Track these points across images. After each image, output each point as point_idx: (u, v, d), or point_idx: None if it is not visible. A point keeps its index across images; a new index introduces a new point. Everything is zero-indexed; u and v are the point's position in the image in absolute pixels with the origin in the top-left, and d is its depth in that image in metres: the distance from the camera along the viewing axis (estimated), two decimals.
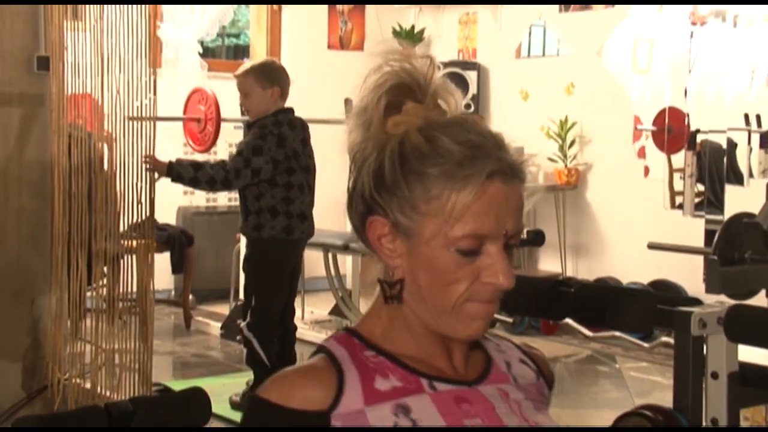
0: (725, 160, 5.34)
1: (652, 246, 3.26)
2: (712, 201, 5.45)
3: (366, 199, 1.07)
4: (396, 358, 1.08)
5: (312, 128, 3.93)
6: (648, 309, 1.53)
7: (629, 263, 5.64)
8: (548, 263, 6.15)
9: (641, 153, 5.86)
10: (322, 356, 1.08)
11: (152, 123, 3.04)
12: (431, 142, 1.04)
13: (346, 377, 1.04)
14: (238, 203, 3.86)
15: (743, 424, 3.73)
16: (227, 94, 5.37)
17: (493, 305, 1.07)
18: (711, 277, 2.78)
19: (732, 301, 2.07)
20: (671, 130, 5.69)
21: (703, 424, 1.91)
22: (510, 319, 5.37)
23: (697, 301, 2.01)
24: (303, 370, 1.06)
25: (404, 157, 1.05)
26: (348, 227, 3.53)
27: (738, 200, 4.74)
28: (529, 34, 6.49)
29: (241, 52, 7.33)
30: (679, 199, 5.77)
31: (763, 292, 2.93)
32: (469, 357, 1.13)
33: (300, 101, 6.14)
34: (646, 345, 5.10)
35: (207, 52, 6.71)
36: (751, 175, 5.22)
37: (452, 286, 1.04)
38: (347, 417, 1.02)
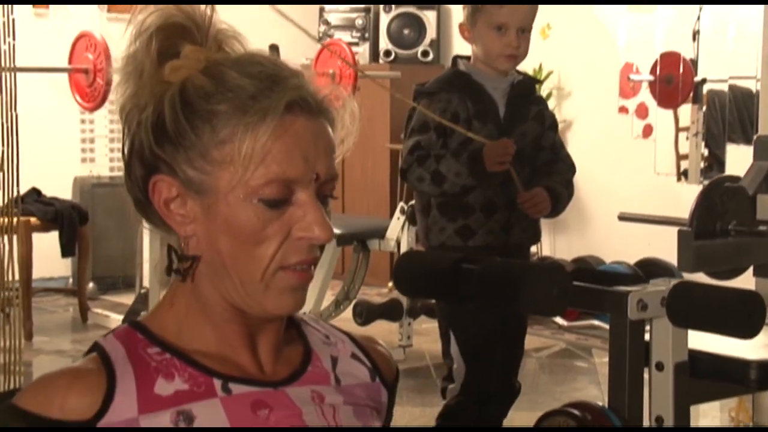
0: (728, 114, 5.38)
1: (623, 217, 3.30)
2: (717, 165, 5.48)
3: (146, 158, 1.07)
4: (186, 355, 1.08)
5: None
6: (560, 287, 1.55)
7: (615, 240, 5.70)
8: None
9: (641, 110, 5.88)
10: (93, 356, 1.07)
11: (12, 74, 3.00)
12: (217, 79, 1.06)
13: (118, 381, 1.04)
14: None
15: (728, 423, 3.80)
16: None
17: (307, 275, 1.08)
18: (684, 252, 2.81)
19: None
20: (671, 81, 5.72)
21: (646, 423, 1.95)
22: None
23: (642, 279, 2.04)
24: (67, 373, 1.06)
25: (187, 100, 1.05)
26: None
27: (745, 163, 4.75)
28: None
29: None
30: (684, 164, 5.80)
31: (750, 271, 2.97)
32: (283, 351, 1.13)
33: None
34: None
35: None
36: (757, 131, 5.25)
37: (260, 247, 1.05)
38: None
